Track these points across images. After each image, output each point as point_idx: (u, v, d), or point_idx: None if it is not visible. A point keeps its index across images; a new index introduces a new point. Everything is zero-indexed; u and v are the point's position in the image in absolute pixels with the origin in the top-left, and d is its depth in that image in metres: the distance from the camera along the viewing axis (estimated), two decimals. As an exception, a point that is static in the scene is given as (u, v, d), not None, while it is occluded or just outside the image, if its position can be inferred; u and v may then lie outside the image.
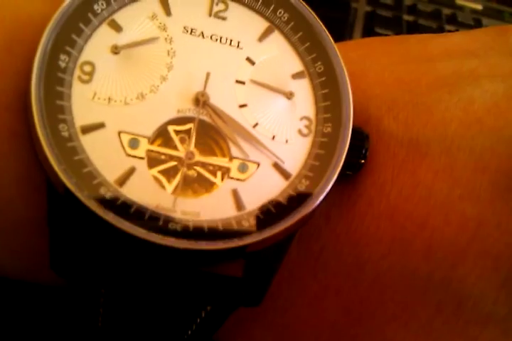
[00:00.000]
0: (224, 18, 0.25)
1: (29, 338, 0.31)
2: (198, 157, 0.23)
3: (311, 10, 0.26)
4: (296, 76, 0.26)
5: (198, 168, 0.23)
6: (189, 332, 0.26)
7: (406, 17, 0.61)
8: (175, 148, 0.23)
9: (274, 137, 0.25)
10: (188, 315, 0.25)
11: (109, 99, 0.23)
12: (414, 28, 0.59)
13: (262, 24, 0.26)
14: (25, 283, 0.28)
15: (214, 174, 0.23)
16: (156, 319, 0.25)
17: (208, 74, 0.24)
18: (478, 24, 0.62)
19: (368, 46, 0.32)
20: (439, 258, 0.24)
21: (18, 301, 0.32)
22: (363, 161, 0.25)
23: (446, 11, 0.64)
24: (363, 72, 0.28)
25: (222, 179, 0.23)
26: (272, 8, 0.26)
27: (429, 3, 0.66)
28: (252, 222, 0.23)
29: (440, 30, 0.60)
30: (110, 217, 0.21)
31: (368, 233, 0.25)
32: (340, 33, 0.54)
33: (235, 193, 0.23)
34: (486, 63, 0.28)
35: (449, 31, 0.60)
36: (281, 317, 0.26)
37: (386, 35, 0.57)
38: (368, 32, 0.56)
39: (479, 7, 0.68)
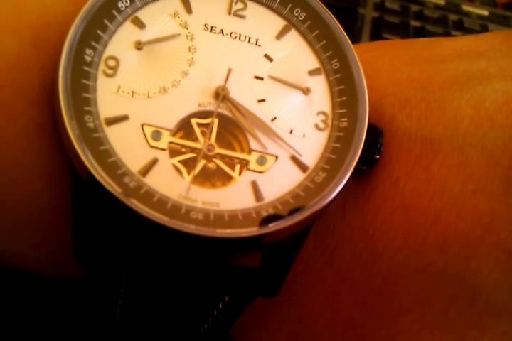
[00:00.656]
0: (243, 17, 0.26)
1: (46, 333, 0.32)
2: (218, 149, 0.24)
3: (327, 9, 0.26)
4: (313, 73, 0.26)
5: (218, 160, 0.24)
6: (205, 326, 0.27)
7: (413, 23, 0.62)
8: (196, 140, 0.24)
9: (291, 131, 0.25)
10: (205, 306, 0.26)
11: (132, 92, 0.23)
12: (421, 34, 0.60)
13: (279, 23, 0.26)
14: (44, 277, 0.29)
15: (233, 166, 0.24)
16: (173, 312, 0.26)
17: (228, 70, 0.25)
18: (484, 30, 0.63)
19: (379, 48, 0.33)
20: (452, 252, 0.24)
21: (36, 296, 0.32)
22: (377, 156, 0.26)
23: (453, 17, 0.64)
24: (375, 72, 0.29)
25: (241, 171, 0.24)
26: (289, 7, 0.26)
27: (435, 9, 0.66)
28: (271, 212, 0.23)
29: (447, 35, 0.60)
30: (133, 204, 0.21)
31: (383, 227, 0.25)
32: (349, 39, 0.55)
33: (254, 185, 0.24)
34: (495, 64, 0.28)
35: (456, 37, 0.60)
36: (296, 310, 0.27)
37: (393, 40, 0.58)
38: (376, 37, 0.57)
39: (485, 13, 0.69)
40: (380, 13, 0.62)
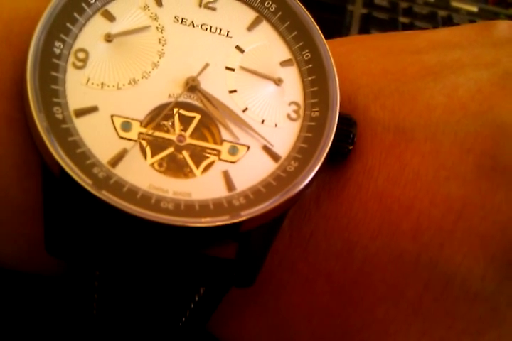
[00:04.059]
0: (214, 9, 0.26)
1: (25, 331, 0.32)
2: (189, 140, 0.24)
3: (297, 0, 0.26)
4: (284, 63, 0.26)
5: (190, 151, 0.24)
6: (183, 319, 0.27)
7: (402, 19, 0.62)
8: (166, 131, 0.24)
9: (263, 121, 0.25)
10: (182, 298, 0.26)
11: (102, 84, 0.23)
12: (409, 30, 0.60)
13: (250, 14, 0.27)
14: (21, 273, 0.29)
15: (205, 156, 0.24)
16: (150, 305, 0.26)
17: (199, 61, 0.25)
18: (473, 26, 0.63)
19: (355, 41, 0.33)
20: (426, 239, 0.24)
21: (13, 292, 0.32)
22: (351, 147, 0.26)
23: (442, 13, 0.65)
24: (350, 64, 0.29)
25: (213, 161, 0.24)
26: None
27: (424, 5, 0.67)
28: (243, 201, 0.23)
29: (436, 32, 0.60)
30: (103, 195, 0.21)
31: (357, 216, 0.25)
32: (337, 35, 0.55)
33: (226, 174, 0.24)
34: (469, 53, 0.28)
35: (445, 33, 0.60)
36: (273, 302, 0.27)
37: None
38: (364, 34, 0.57)
39: (475, 9, 0.69)
40: (369, 10, 0.62)
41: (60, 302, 0.30)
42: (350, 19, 0.60)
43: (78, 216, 0.23)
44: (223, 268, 0.24)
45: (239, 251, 0.24)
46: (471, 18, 0.65)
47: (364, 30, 0.58)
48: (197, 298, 0.25)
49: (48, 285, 0.30)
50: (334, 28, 0.57)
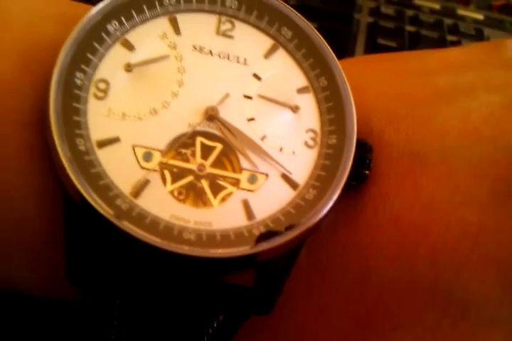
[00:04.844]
0: (231, 37, 0.26)
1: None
2: (209, 169, 0.24)
3: (313, 28, 0.27)
4: (301, 91, 0.27)
5: (210, 180, 0.24)
6: None
7: (408, 28, 0.62)
8: (187, 160, 0.24)
9: (281, 149, 0.26)
10: (200, 325, 0.26)
11: (123, 114, 0.24)
12: (416, 39, 0.60)
13: (267, 42, 0.27)
14: (40, 299, 0.29)
15: (225, 185, 0.24)
16: (169, 332, 0.26)
17: (217, 90, 0.25)
18: (479, 34, 0.63)
19: (367, 62, 0.33)
20: (442, 264, 0.24)
21: (32, 317, 0.32)
22: (367, 172, 0.26)
23: (448, 21, 0.65)
24: (363, 87, 0.29)
25: (233, 190, 0.24)
26: (276, 26, 0.27)
27: (430, 13, 0.67)
28: (263, 230, 0.23)
29: (442, 40, 0.60)
30: (125, 226, 0.21)
31: (374, 242, 0.25)
32: (343, 44, 0.55)
33: (246, 203, 0.24)
34: (481, 76, 0.29)
35: (451, 41, 0.61)
36: (288, 326, 0.27)
37: (388, 46, 0.58)
38: (371, 43, 0.57)
39: (480, 17, 0.69)
40: (375, 19, 0.62)
41: (79, 327, 0.31)
42: (357, 28, 0.60)
43: (100, 246, 0.23)
44: (243, 296, 0.24)
45: (257, 278, 0.24)
46: (477, 26, 0.65)
47: (370, 38, 0.58)
48: (215, 325, 0.26)
49: (67, 311, 0.31)
50: (341, 37, 0.57)
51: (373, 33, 0.60)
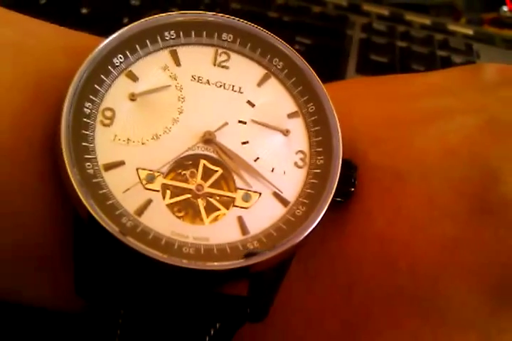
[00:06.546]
0: (227, 67, 0.29)
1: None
2: (207, 188, 0.27)
3: (302, 58, 0.29)
4: (291, 115, 0.29)
5: (207, 198, 0.26)
6: None
7: (399, 43, 0.64)
8: (186, 181, 0.26)
9: (273, 169, 0.28)
10: (198, 332, 0.27)
11: (127, 139, 0.26)
12: (407, 54, 0.62)
13: (260, 71, 0.29)
14: (43, 310, 0.30)
15: (221, 203, 0.27)
16: (169, 339, 0.28)
17: (214, 116, 0.28)
18: (469, 49, 0.64)
19: (355, 87, 0.35)
20: (422, 275, 0.26)
21: (37, 327, 0.34)
22: (352, 189, 0.28)
23: (438, 37, 0.66)
24: (350, 111, 0.31)
25: (228, 207, 0.27)
26: (268, 57, 0.29)
27: (421, 29, 0.68)
28: (256, 244, 0.26)
29: (432, 55, 0.62)
30: (130, 242, 0.23)
31: (359, 254, 0.27)
32: (336, 60, 0.56)
33: (240, 220, 0.26)
34: (460, 99, 0.31)
35: (441, 57, 0.62)
36: (281, 335, 0.29)
37: (380, 61, 0.60)
38: (363, 58, 0.59)
39: (470, 32, 0.71)
40: (368, 35, 0.64)
41: (83, 336, 0.32)
42: (350, 44, 0.61)
43: (106, 261, 0.25)
44: (238, 305, 0.26)
45: (251, 288, 0.26)
46: (468, 41, 0.66)
47: (362, 54, 0.60)
48: (212, 332, 0.28)
49: (71, 320, 0.32)
50: (334, 53, 0.58)
51: (365, 49, 0.61)
